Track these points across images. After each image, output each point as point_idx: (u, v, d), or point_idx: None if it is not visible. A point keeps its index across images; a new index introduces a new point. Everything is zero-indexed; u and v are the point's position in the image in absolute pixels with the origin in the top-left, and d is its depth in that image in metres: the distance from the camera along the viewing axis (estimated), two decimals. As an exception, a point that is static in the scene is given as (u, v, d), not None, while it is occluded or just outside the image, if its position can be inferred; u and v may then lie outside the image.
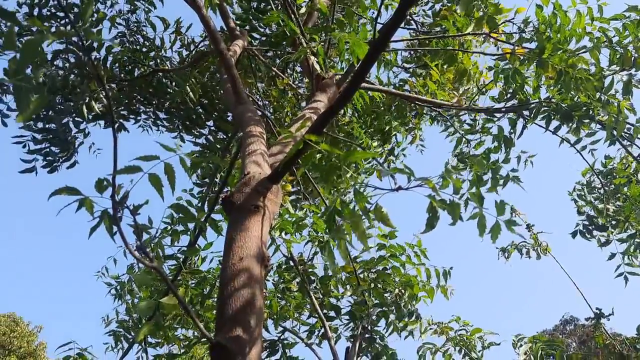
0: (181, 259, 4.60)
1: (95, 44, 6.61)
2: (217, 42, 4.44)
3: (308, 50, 3.90)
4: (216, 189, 5.57)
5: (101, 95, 6.67)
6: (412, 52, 7.08)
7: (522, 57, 4.62)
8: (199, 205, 5.14)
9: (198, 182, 6.84)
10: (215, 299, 4.85)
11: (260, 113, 4.47)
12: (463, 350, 6.32)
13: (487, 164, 2.48)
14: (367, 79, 5.51)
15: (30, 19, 2.51)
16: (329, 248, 2.48)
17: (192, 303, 4.58)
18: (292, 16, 5.10)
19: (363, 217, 2.41)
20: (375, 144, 8.30)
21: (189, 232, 4.79)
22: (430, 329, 6.24)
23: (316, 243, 4.84)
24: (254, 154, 3.45)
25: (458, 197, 2.45)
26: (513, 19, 5.64)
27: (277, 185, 3.20)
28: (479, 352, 6.48)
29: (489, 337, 6.45)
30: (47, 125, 6.85)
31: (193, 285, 4.77)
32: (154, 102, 7.59)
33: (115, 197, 2.48)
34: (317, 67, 4.03)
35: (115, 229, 2.57)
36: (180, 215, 3.88)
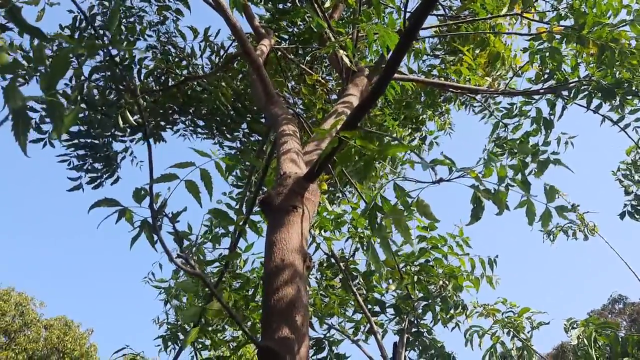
0: (223, 263, 4.63)
1: (127, 57, 6.72)
2: (244, 43, 4.45)
3: (337, 45, 3.85)
4: (253, 189, 5.60)
5: (136, 108, 6.79)
6: (441, 39, 6.94)
7: (559, 36, 4.45)
8: (238, 207, 5.17)
9: (236, 184, 6.90)
10: (260, 300, 4.88)
11: (292, 112, 4.45)
12: (511, 332, 6.18)
13: (529, 148, 2.39)
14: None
15: (57, 34, 2.55)
16: (372, 247, 2.43)
17: (237, 306, 4.61)
18: (318, 10, 5.07)
19: (405, 212, 2.36)
20: (406, 132, 8.21)
21: (229, 235, 4.82)
22: (476, 312, 6.11)
23: (357, 239, 4.81)
24: (289, 153, 3.43)
25: (503, 185, 2.36)
26: (548, -4, 5.45)
27: (315, 184, 3.18)
28: (527, 332, 6.32)
29: (537, 317, 6.29)
30: (88, 142, 7.01)
31: (237, 287, 4.80)
32: (190, 110, 7.70)
33: (154, 206, 2.51)
34: (346, 60, 3.98)
35: (155, 237, 2.60)
36: (219, 219, 3.92)
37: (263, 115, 7.58)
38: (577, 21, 4.29)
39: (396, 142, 4.94)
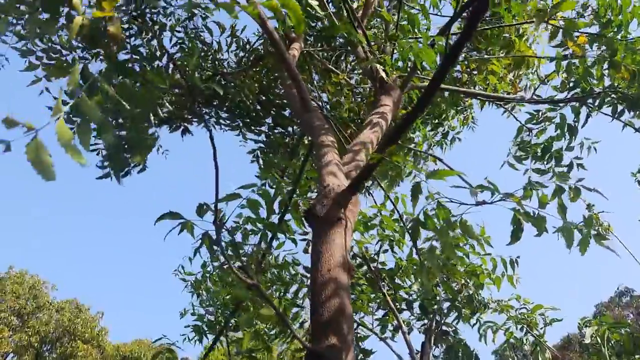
0: (259, 257, 4.85)
1: (157, 53, 6.89)
2: (282, 53, 4.60)
3: (375, 61, 4.01)
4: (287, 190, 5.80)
5: (165, 101, 6.98)
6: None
7: (588, 51, 4.57)
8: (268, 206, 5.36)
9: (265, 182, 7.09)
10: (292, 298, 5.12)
11: (326, 118, 4.62)
12: (525, 328, 6.38)
13: (567, 175, 2.53)
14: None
15: (149, 71, 2.74)
16: (426, 270, 2.62)
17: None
18: (348, 13, 5.19)
19: (450, 232, 2.55)
20: (429, 128, 8.36)
21: (260, 234, 5.04)
22: (490, 307, 6.32)
23: (386, 241, 5.01)
24: (330, 165, 3.61)
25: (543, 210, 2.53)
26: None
27: (356, 196, 3.37)
28: (540, 328, 6.53)
29: (550, 313, 6.50)
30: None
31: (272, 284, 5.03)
32: (214, 103, 7.88)
33: (217, 222, 2.71)
34: (383, 74, 4.14)
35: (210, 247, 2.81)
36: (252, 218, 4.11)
37: (289, 111, 7.76)
38: (609, 47, 4.41)
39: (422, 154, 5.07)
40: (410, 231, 2.76)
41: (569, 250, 2.52)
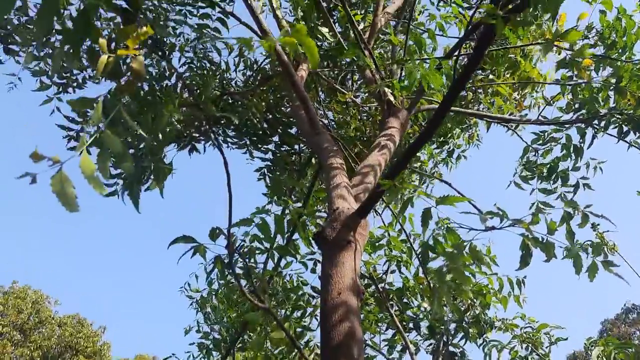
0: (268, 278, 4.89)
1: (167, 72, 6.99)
2: (290, 74, 4.68)
3: (383, 85, 4.08)
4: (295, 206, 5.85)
5: (173, 120, 7.05)
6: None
7: (593, 75, 4.63)
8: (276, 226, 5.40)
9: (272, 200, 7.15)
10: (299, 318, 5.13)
11: (334, 139, 4.68)
12: (530, 347, 6.37)
13: (575, 203, 2.57)
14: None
15: (166, 100, 2.81)
16: (438, 299, 2.65)
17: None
18: (355, 36, 5.27)
19: (459, 257, 2.58)
20: (434, 147, 8.41)
21: (268, 253, 5.08)
22: (495, 326, 6.32)
23: (394, 262, 5.04)
24: (339, 188, 3.66)
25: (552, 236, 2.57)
26: (577, 26, 5.62)
27: (365, 219, 3.41)
28: (545, 347, 6.51)
29: (555, 332, 6.48)
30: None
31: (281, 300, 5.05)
32: (222, 121, 7.96)
33: (230, 246, 2.76)
34: (391, 98, 4.20)
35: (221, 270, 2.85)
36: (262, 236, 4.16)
37: (295, 129, 7.83)
38: (615, 74, 4.47)
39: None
40: (419, 256, 2.79)
41: (577, 276, 2.55)
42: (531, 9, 2.80)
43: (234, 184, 3.35)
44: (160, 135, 2.22)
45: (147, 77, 7.11)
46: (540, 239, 2.61)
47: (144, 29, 1.74)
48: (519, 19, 2.75)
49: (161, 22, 5.05)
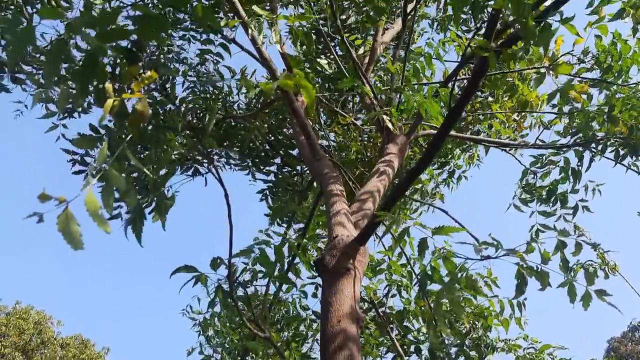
0: (268, 305, 4.93)
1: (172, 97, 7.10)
2: (291, 101, 4.77)
3: (381, 113, 4.17)
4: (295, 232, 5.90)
5: (177, 144, 7.15)
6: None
7: (589, 100, 4.72)
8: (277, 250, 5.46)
9: (273, 222, 7.20)
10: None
11: (335, 164, 4.76)
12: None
13: (568, 232, 2.62)
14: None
15: (171, 138, 2.89)
16: (434, 331, 2.70)
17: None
18: (354, 65, 5.37)
19: (457, 287, 2.63)
20: (434, 167, 8.47)
21: (271, 278, 5.13)
22: (497, 347, 6.31)
23: (394, 286, 5.07)
24: (339, 215, 3.72)
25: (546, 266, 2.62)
26: (572, 50, 5.72)
27: (364, 247, 3.47)
28: (549, 368, 6.49)
29: (559, 352, 6.47)
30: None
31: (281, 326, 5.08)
32: (224, 143, 8.06)
33: (230, 276, 2.82)
34: (389, 125, 4.28)
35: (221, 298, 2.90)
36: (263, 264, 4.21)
37: (297, 151, 7.92)
38: (607, 102, 4.55)
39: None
40: (419, 283, 2.84)
41: (572, 305, 2.59)
42: (523, 42, 2.88)
43: (236, 202, 3.44)
44: (163, 171, 2.30)
45: (150, 100, 7.23)
46: (535, 268, 2.66)
47: (149, 73, 1.82)
48: (510, 52, 2.84)
49: (164, 60, 5.16)
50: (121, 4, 6.41)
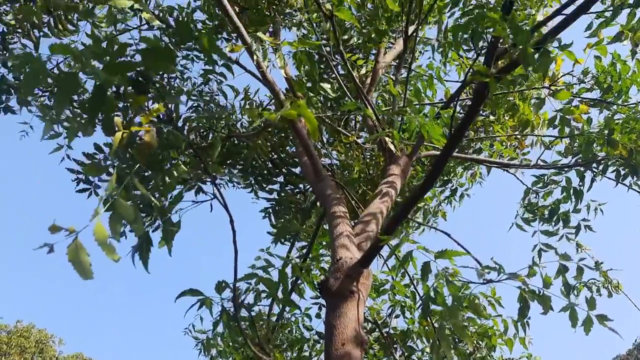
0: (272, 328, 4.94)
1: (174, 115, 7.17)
2: (294, 123, 4.83)
3: (384, 134, 4.22)
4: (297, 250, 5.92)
5: (180, 163, 7.21)
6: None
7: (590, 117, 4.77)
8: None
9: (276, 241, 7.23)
10: None
11: (338, 185, 4.80)
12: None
13: (569, 256, 2.63)
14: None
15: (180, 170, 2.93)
16: (436, 351, 2.72)
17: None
18: (356, 86, 5.43)
19: (460, 310, 2.66)
20: (437, 185, 8.49)
21: (275, 300, 5.14)
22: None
23: (398, 307, 5.08)
24: (342, 237, 3.75)
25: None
26: (572, 71, 5.78)
27: (368, 269, 3.49)
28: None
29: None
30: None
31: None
32: (228, 161, 8.12)
33: (235, 300, 2.84)
34: (392, 147, 4.33)
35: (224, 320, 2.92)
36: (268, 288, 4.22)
37: (300, 169, 7.97)
38: (607, 125, 4.60)
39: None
40: (422, 305, 2.86)
41: (573, 329, 2.61)
42: (523, 67, 2.93)
43: (237, 216, 3.44)
44: (169, 199, 2.35)
45: (155, 119, 7.30)
46: (537, 292, 2.68)
47: (156, 106, 1.87)
48: (510, 77, 2.89)
49: (168, 87, 5.25)
50: (126, 27, 6.52)
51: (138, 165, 2.13)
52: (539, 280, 2.77)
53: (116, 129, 1.84)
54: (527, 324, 5.66)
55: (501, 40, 3.24)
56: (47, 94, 5.51)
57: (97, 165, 2.10)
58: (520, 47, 2.59)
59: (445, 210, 8.83)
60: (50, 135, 6.11)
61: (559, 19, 3.10)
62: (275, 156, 8.28)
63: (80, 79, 2.16)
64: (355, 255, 3.55)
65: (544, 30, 6.34)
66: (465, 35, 2.93)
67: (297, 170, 8.20)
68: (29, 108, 5.98)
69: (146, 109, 2.41)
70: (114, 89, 2.41)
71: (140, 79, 2.22)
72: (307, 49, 3.85)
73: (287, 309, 4.98)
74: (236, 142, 7.99)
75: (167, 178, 2.54)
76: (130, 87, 2.20)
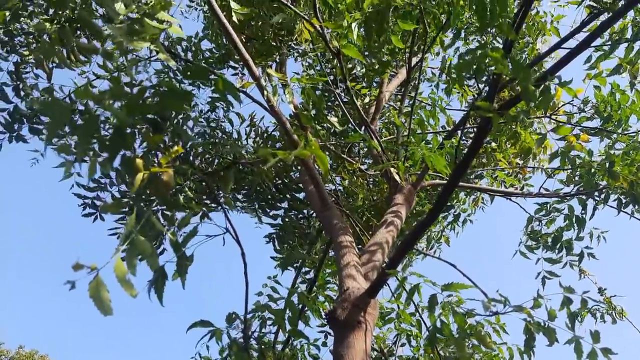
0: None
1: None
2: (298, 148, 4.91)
3: (389, 165, 4.31)
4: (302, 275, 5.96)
5: (185, 189, 7.32)
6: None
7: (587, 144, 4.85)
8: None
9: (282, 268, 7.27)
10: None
11: (344, 214, 4.87)
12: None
13: (573, 289, 2.69)
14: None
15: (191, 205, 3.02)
16: None
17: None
18: (359, 113, 5.54)
19: (465, 340, 2.71)
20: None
21: (280, 324, 5.17)
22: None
23: (404, 335, 5.10)
24: (349, 267, 3.80)
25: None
26: (572, 100, 5.89)
27: (375, 299, 3.54)
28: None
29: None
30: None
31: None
32: (232, 186, 8.21)
33: (246, 330, 2.90)
34: (397, 178, 4.42)
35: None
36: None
37: (304, 195, 8.05)
38: (608, 156, 4.70)
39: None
40: (428, 337, 2.91)
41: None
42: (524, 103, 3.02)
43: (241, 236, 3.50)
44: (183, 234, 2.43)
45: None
46: (542, 324, 2.73)
47: (175, 148, 1.96)
48: (513, 113, 2.99)
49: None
50: (137, 56, 6.68)
51: (156, 202, 2.21)
52: (544, 312, 2.83)
53: (137, 169, 1.92)
54: (532, 352, 5.67)
55: (504, 76, 3.35)
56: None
57: (117, 204, 2.17)
58: (522, 84, 2.69)
59: (448, 236, 8.88)
60: (61, 164, 6.23)
61: (560, 51, 3.21)
62: (280, 182, 8.39)
63: (99, 119, 2.27)
64: (362, 285, 3.61)
65: (545, 60, 6.51)
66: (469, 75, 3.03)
67: (301, 195, 8.29)
68: (40, 137, 6.10)
69: (162, 147, 2.50)
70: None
71: (156, 117, 2.32)
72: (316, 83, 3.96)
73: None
74: (240, 167, 8.10)
75: (182, 213, 2.61)
76: (147, 126, 2.29)
